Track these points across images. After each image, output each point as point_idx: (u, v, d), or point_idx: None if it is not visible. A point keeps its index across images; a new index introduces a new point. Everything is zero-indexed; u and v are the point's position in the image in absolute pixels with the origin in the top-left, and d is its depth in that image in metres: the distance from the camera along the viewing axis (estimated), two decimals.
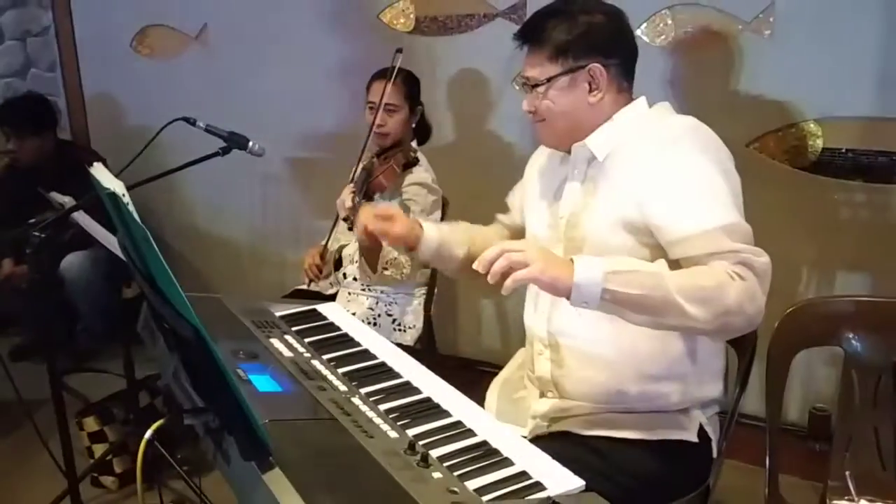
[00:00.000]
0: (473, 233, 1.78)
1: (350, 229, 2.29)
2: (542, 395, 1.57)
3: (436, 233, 1.69)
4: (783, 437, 1.80)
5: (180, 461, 2.47)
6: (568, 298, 1.28)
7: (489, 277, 1.28)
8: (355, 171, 2.43)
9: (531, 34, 1.51)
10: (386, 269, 2.27)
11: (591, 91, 1.48)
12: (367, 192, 2.29)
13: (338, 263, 2.54)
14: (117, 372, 2.69)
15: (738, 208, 1.39)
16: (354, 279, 2.47)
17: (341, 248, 2.53)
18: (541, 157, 1.71)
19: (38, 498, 2.39)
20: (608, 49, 1.48)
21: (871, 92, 2.29)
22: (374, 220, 1.64)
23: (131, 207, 1.01)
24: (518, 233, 1.76)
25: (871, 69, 2.27)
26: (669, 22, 2.53)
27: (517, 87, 1.55)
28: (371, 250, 2.25)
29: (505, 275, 1.27)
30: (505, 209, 1.84)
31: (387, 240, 1.68)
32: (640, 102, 1.55)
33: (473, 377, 1.35)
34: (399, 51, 2.35)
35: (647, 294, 1.27)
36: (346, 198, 2.28)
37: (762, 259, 1.33)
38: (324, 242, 2.51)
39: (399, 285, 2.41)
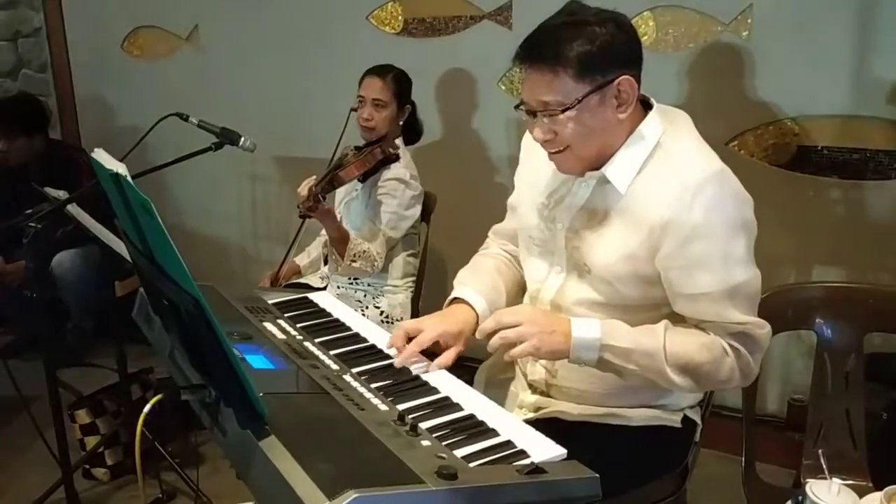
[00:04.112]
0: (501, 268, 1.67)
1: (301, 217, 2.33)
2: (533, 390, 1.59)
3: (485, 303, 1.55)
4: (762, 428, 1.85)
5: (171, 454, 2.50)
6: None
7: (488, 348, 1.37)
8: (331, 160, 2.45)
9: (543, 53, 1.31)
10: (354, 261, 2.32)
11: (619, 107, 1.34)
12: (331, 181, 2.29)
13: (325, 259, 2.59)
14: (109, 366, 2.72)
15: (751, 260, 1.38)
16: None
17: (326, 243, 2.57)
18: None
19: (31, 489, 2.41)
20: (629, 59, 1.33)
21: (846, 91, 2.36)
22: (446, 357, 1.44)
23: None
24: None
25: (845, 69, 2.34)
26: (651, 23, 2.59)
27: (524, 118, 1.39)
28: (340, 241, 2.31)
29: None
30: (494, 211, 1.76)
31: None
32: (654, 119, 1.40)
33: (459, 372, 1.39)
34: None
35: (639, 370, 1.36)
36: (303, 188, 2.31)
37: (762, 331, 1.38)
38: (280, 264, 2.59)
39: (375, 276, 2.47)
